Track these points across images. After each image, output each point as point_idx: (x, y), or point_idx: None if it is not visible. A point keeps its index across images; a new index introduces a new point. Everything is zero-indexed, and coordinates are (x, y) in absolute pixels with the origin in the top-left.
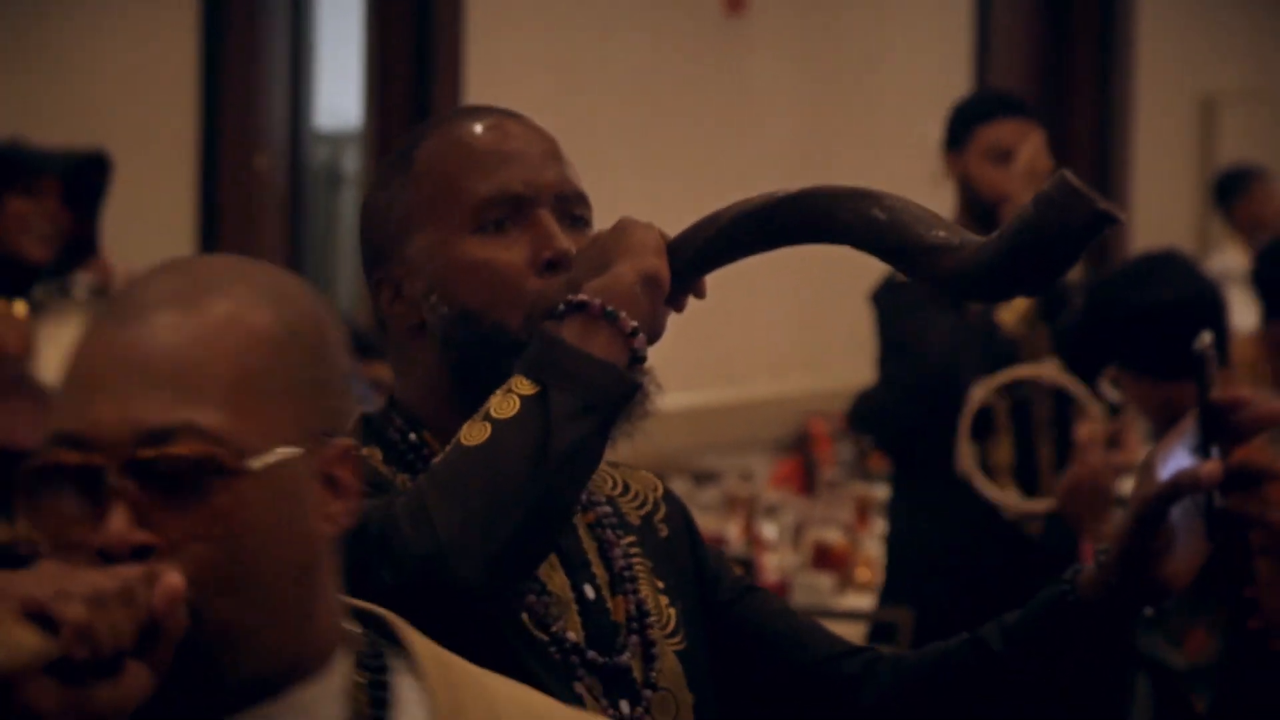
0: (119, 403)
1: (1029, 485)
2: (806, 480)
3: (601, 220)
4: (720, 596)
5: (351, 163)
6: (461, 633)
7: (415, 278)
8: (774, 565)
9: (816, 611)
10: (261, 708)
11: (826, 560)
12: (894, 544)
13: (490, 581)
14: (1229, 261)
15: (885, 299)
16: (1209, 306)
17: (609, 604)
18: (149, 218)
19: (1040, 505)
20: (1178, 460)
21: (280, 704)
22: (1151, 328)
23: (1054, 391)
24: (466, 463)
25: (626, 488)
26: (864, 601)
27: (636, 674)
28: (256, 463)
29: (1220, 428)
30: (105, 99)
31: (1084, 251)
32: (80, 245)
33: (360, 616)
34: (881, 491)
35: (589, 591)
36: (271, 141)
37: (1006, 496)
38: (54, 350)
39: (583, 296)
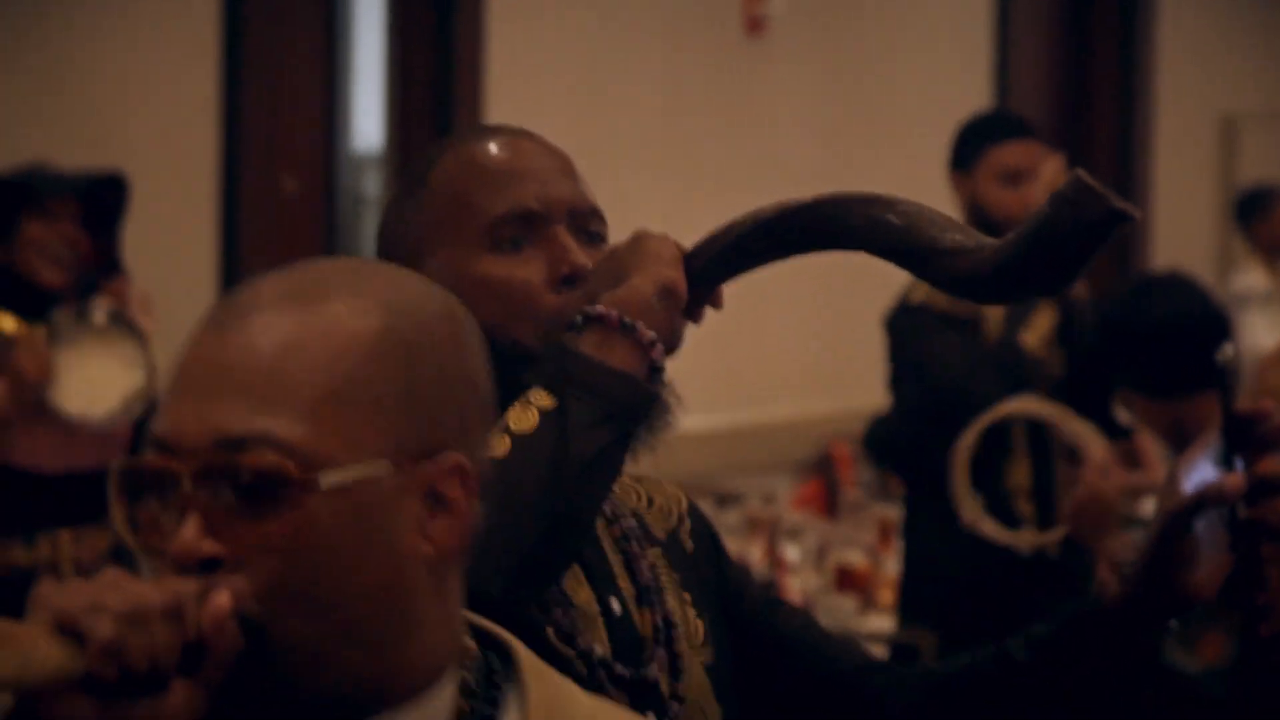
0: (201, 409)
1: (1047, 505)
2: (829, 502)
3: (623, 236)
4: (746, 610)
5: (373, 185)
6: None
7: None
8: (796, 587)
9: (839, 634)
10: None
11: (849, 582)
12: (911, 565)
13: (511, 594)
14: (1250, 281)
15: (899, 323)
16: (1211, 324)
17: (635, 617)
18: (170, 239)
19: (1051, 537)
20: (1201, 472)
21: None
22: (1154, 347)
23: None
24: (488, 475)
25: (651, 501)
26: (886, 623)
27: (663, 687)
28: (330, 477)
29: (1244, 439)
30: (126, 119)
31: (1100, 250)
32: (103, 268)
33: (484, 637)
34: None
35: (615, 605)
36: (300, 163)
37: (1019, 538)
38: (71, 376)
39: (600, 308)
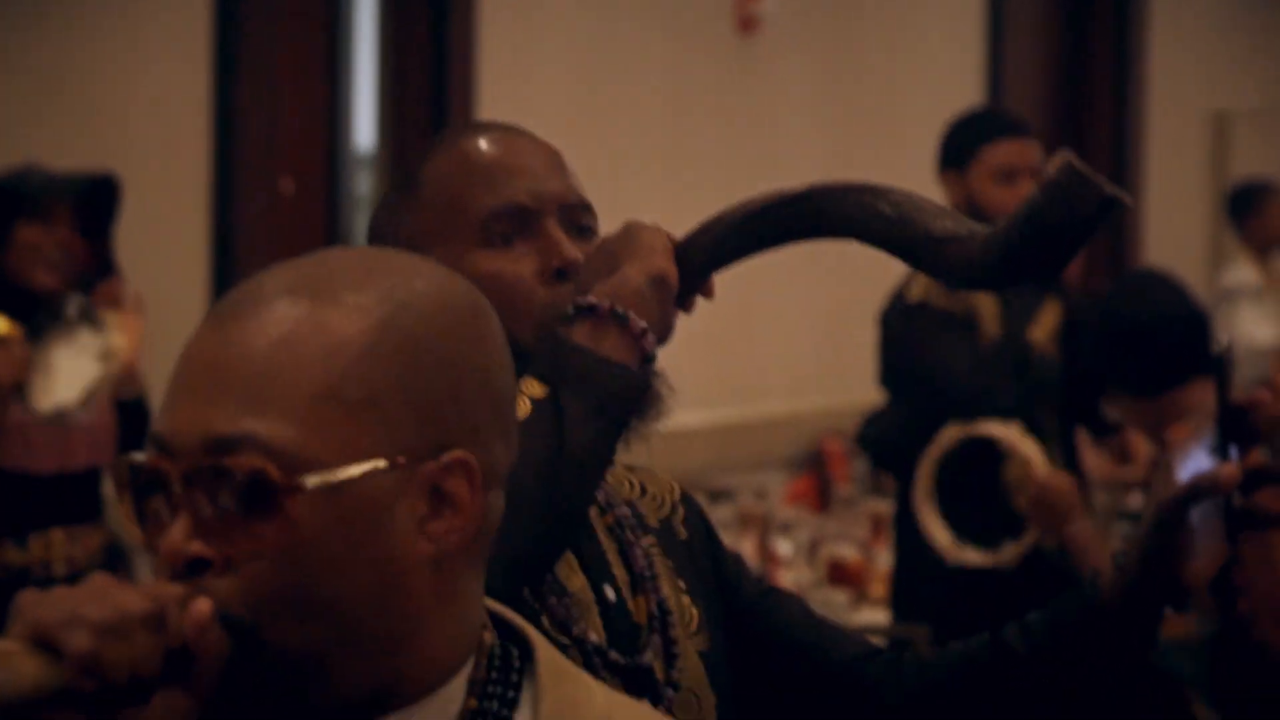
0: (195, 408)
1: None
2: (821, 497)
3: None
4: (741, 598)
5: (365, 186)
6: None
7: None
8: (789, 582)
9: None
10: None
11: (841, 576)
12: (903, 561)
13: (506, 583)
14: (1241, 276)
15: (897, 322)
16: (1185, 321)
17: (630, 605)
18: (162, 240)
19: (1027, 541)
20: (1196, 461)
21: None
22: (1132, 348)
23: (1061, 408)
24: None
25: (644, 490)
26: (879, 617)
27: (659, 674)
28: (317, 479)
29: (1239, 428)
30: (117, 120)
31: (1092, 236)
32: (97, 270)
33: (509, 630)
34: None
35: (609, 593)
36: (297, 164)
37: (1000, 556)
38: (45, 373)
39: (591, 299)
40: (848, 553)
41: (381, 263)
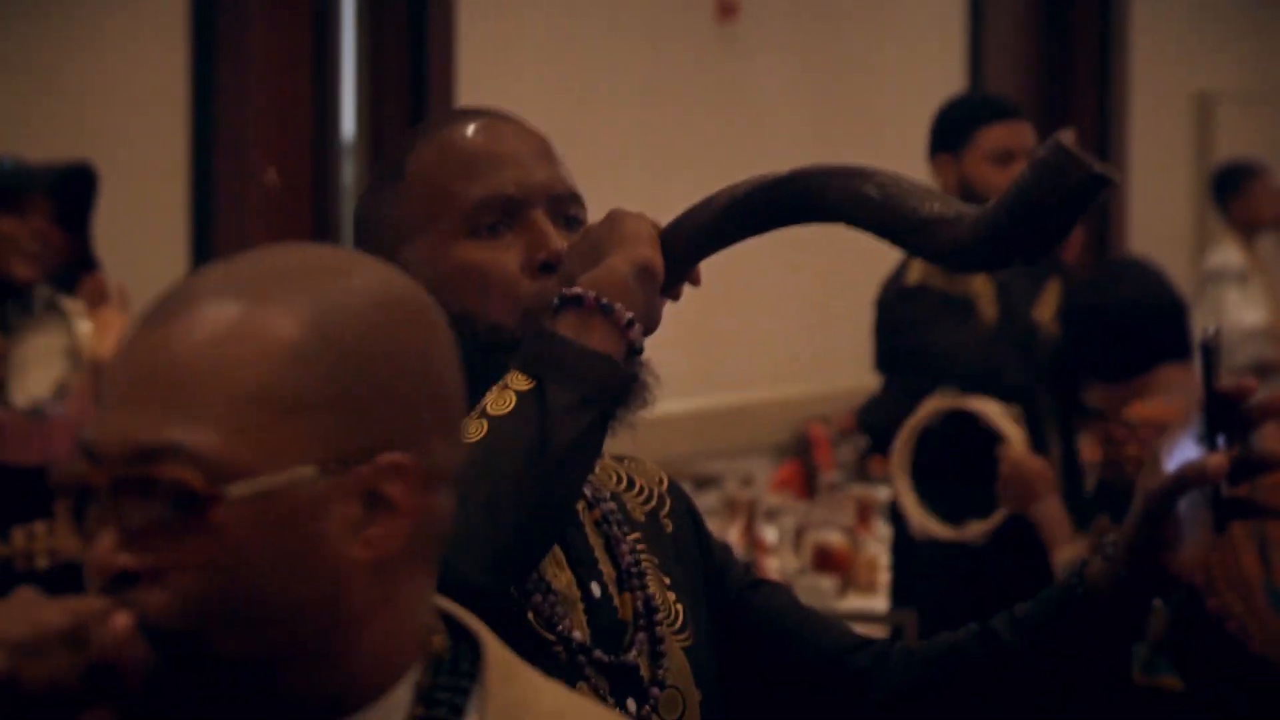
0: (121, 416)
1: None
2: (807, 484)
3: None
4: (728, 590)
5: (346, 175)
6: None
7: None
8: (775, 568)
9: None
10: None
11: (828, 563)
12: (899, 545)
13: (495, 579)
14: (1226, 258)
15: (895, 306)
16: (1156, 309)
17: (616, 601)
18: (141, 232)
19: (994, 520)
20: (1184, 451)
21: None
22: (1100, 332)
23: (1060, 393)
24: (464, 460)
25: (631, 482)
26: (866, 603)
27: (644, 672)
28: (241, 489)
29: (1226, 417)
30: (93, 109)
31: (1082, 215)
32: (76, 261)
33: (460, 629)
34: (882, 494)
35: (595, 589)
36: (282, 153)
37: (965, 532)
38: (17, 367)
39: (577, 290)
40: (834, 539)
41: (317, 261)
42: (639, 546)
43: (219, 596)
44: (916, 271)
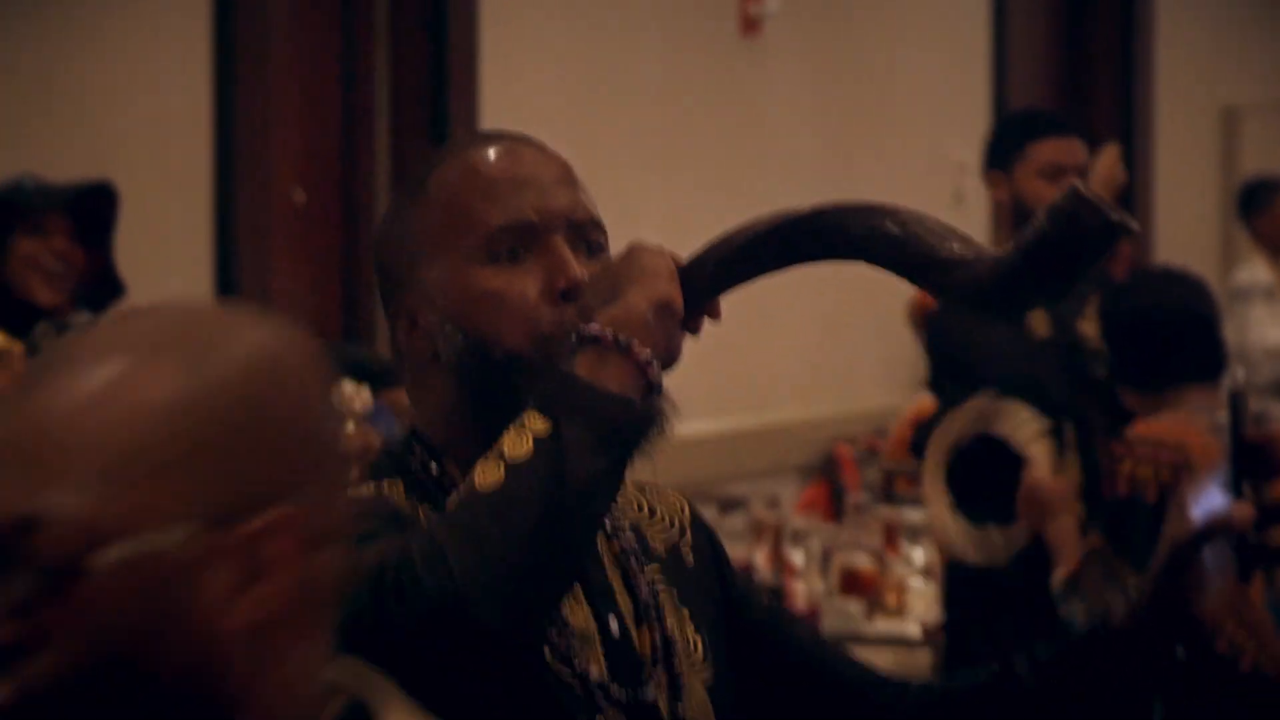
0: None
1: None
2: (833, 506)
3: (620, 242)
4: (749, 621)
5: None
6: (482, 671)
7: (430, 308)
8: (802, 591)
9: (847, 637)
10: None
11: (855, 585)
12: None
13: (512, 624)
14: (1253, 274)
15: (946, 321)
16: (1193, 321)
17: (634, 637)
18: (164, 250)
19: (1017, 533)
20: (1210, 497)
21: None
22: (1134, 339)
23: (1110, 409)
24: (481, 505)
25: (653, 511)
26: (893, 627)
27: (663, 708)
28: (109, 555)
29: (1252, 465)
30: (116, 126)
31: (1101, 260)
32: (103, 281)
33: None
34: (910, 515)
35: (613, 624)
36: (308, 173)
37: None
38: None
39: (594, 328)
40: (861, 561)
41: (200, 318)
42: (657, 578)
43: (99, 663)
44: None
